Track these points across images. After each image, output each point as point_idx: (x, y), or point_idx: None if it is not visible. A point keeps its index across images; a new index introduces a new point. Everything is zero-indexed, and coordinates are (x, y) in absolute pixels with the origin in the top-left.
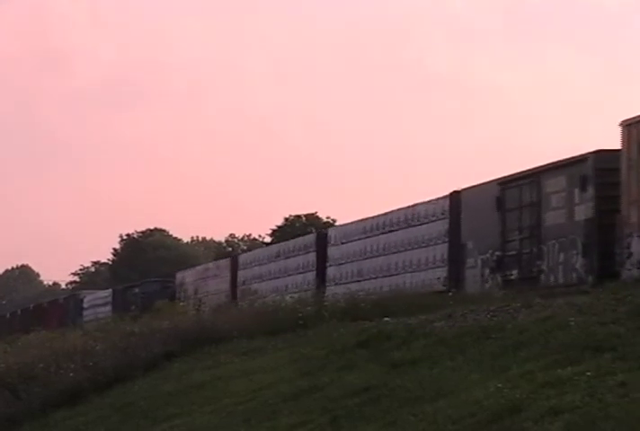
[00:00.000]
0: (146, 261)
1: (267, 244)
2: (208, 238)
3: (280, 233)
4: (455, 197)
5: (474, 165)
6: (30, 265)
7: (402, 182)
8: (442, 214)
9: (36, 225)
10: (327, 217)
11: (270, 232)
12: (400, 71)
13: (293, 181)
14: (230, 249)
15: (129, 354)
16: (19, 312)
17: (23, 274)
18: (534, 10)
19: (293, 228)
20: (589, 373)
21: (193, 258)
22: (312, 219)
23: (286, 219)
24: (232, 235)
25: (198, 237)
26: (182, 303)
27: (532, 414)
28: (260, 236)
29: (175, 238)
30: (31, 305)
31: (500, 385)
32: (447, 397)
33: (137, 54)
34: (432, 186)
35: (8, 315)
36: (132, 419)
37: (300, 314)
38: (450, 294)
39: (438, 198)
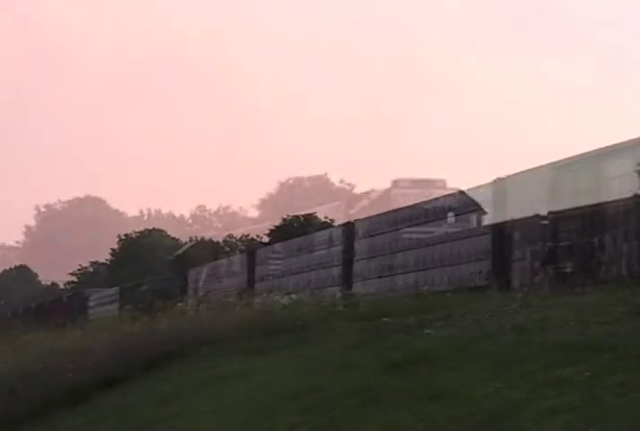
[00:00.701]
0: (146, 262)
1: (265, 244)
2: (206, 238)
3: (279, 233)
4: (499, 184)
5: (473, 165)
6: (28, 265)
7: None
8: (484, 202)
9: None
10: (325, 217)
11: (268, 231)
12: (400, 71)
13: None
14: (228, 249)
15: (129, 354)
16: (20, 311)
17: (22, 274)
18: (534, 10)
19: (291, 228)
20: (588, 374)
21: (194, 257)
22: (310, 219)
23: (284, 219)
24: (230, 235)
25: (196, 237)
26: (191, 302)
27: (531, 414)
28: (258, 236)
29: (174, 238)
30: (34, 304)
31: (499, 385)
32: (447, 397)
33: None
34: None
35: (9, 315)
36: (132, 419)
37: (299, 315)
38: (449, 294)
39: (479, 186)
